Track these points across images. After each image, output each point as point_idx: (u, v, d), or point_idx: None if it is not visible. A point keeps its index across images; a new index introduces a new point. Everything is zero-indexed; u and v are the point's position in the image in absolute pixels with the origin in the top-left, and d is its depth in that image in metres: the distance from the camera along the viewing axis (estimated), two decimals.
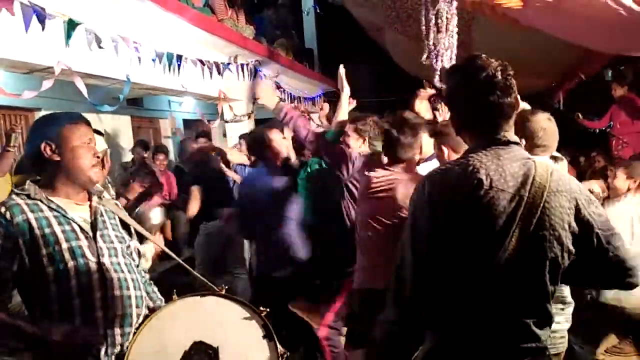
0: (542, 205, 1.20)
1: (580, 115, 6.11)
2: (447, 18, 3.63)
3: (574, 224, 1.23)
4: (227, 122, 5.18)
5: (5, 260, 1.40)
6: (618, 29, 3.38)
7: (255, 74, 5.36)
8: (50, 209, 1.48)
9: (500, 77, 1.26)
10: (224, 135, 5.70)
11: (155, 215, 2.57)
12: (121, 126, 5.83)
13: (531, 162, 1.27)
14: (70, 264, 1.44)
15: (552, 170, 1.27)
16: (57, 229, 1.46)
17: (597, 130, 6.27)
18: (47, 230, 1.44)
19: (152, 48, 3.52)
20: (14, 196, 1.48)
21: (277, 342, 1.56)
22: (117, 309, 1.49)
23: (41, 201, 1.48)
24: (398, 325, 1.33)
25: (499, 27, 4.77)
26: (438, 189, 1.26)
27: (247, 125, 5.30)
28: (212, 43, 4.36)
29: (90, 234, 1.51)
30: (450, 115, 1.41)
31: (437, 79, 4.23)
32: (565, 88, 6.13)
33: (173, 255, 1.88)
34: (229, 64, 4.63)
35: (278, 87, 5.91)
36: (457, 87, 1.35)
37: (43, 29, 2.54)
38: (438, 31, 3.73)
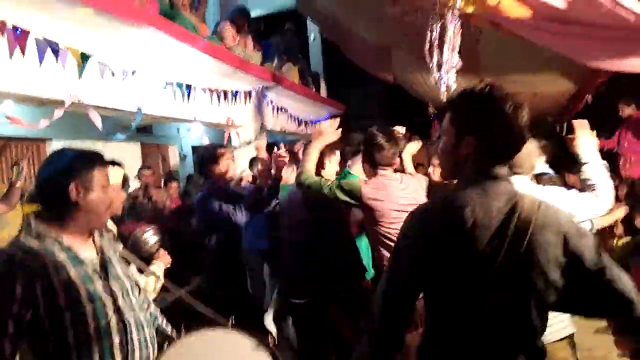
0: (526, 241, 1.19)
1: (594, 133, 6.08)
2: (451, 36, 3.66)
3: (562, 258, 1.20)
4: (235, 148, 5.20)
5: (22, 309, 1.33)
6: (624, 42, 3.39)
7: (263, 99, 5.41)
8: (62, 249, 1.42)
9: (524, 111, 1.24)
10: (232, 160, 5.72)
11: (151, 237, 2.58)
12: (130, 153, 5.86)
13: (518, 197, 1.24)
14: (88, 308, 1.39)
15: (540, 204, 1.24)
16: (72, 272, 1.41)
17: (604, 149, 6.24)
18: (62, 275, 1.38)
19: (162, 78, 3.55)
20: (24, 238, 1.41)
21: None
22: (135, 352, 1.45)
23: (52, 242, 1.42)
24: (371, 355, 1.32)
25: (506, 46, 4.79)
26: (425, 223, 1.28)
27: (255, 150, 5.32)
28: (220, 70, 4.40)
29: (103, 274, 1.47)
30: (450, 141, 1.32)
31: (442, 96, 4.23)
32: (572, 111, 6.11)
33: (172, 288, 1.88)
34: (237, 91, 4.66)
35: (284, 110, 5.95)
36: (479, 110, 1.27)
37: (51, 64, 2.57)
38: (442, 50, 3.76)
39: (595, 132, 5.43)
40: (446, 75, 3.86)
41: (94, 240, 1.53)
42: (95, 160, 1.50)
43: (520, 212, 1.20)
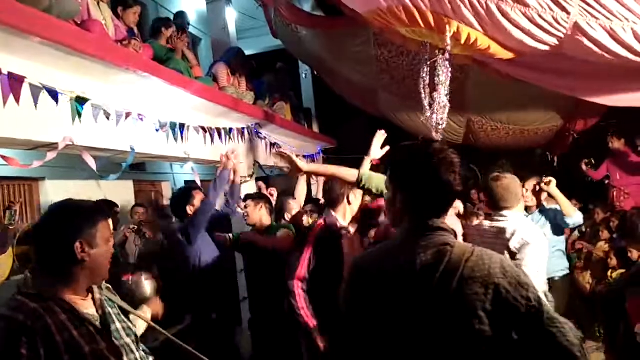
0: (451, 293, 1.20)
1: (585, 164, 6.17)
2: (442, 78, 3.77)
3: (489, 309, 1.20)
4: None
5: None
6: (614, 76, 3.50)
7: (256, 136, 5.48)
8: (64, 310, 1.38)
9: (456, 163, 1.32)
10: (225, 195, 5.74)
11: (145, 284, 2.58)
12: (123, 190, 5.88)
13: (448, 249, 1.26)
14: None
15: (471, 255, 1.25)
16: (75, 333, 1.36)
17: (593, 180, 6.31)
18: (66, 336, 1.34)
19: (156, 119, 3.62)
20: (23, 298, 1.37)
21: None
22: None
23: (54, 301, 1.38)
24: None
25: (492, 84, 4.93)
26: (358, 273, 1.34)
27: (248, 186, 5.35)
28: (213, 110, 4.48)
29: (105, 333, 1.44)
30: (392, 196, 1.39)
31: (434, 134, 4.33)
32: (562, 145, 6.23)
33: (162, 330, 1.88)
34: (231, 129, 4.73)
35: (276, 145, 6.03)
36: (409, 167, 1.35)
37: (46, 109, 2.63)
38: (434, 90, 3.87)
39: (584, 162, 5.48)
40: (436, 115, 3.96)
41: (93, 297, 1.50)
42: (97, 214, 1.48)
43: (446, 265, 1.23)
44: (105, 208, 1.57)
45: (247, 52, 6.92)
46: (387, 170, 1.41)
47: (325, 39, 5.17)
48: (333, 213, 2.91)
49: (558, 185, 3.77)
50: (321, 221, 2.92)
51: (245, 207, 3.82)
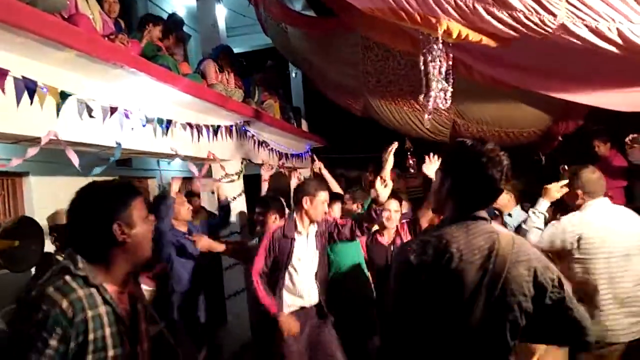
0: (504, 274, 1.37)
1: (566, 167, 6.23)
2: (440, 61, 3.78)
3: (532, 289, 1.40)
4: (217, 180, 5.22)
5: None
6: (598, 77, 3.54)
7: (244, 133, 5.47)
8: (104, 301, 1.33)
9: (505, 164, 1.46)
10: (213, 193, 5.72)
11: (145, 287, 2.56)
12: None
13: (495, 236, 1.43)
14: None
15: (514, 241, 1.44)
16: (107, 332, 1.31)
17: None
18: (98, 334, 1.29)
19: (143, 114, 3.59)
20: (70, 280, 1.30)
21: None
22: None
23: (97, 290, 1.32)
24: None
25: (477, 88, 4.97)
26: (418, 260, 1.41)
27: (237, 184, 5.35)
28: (201, 106, 4.46)
29: (132, 335, 1.38)
30: (440, 183, 1.55)
31: (426, 118, 4.36)
32: (547, 147, 6.29)
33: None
34: (219, 126, 4.72)
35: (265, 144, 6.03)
36: (461, 160, 1.51)
37: (31, 102, 2.60)
38: (430, 75, 3.87)
39: (561, 167, 5.54)
40: (433, 100, 3.94)
41: (129, 290, 1.43)
42: (130, 193, 1.43)
43: (498, 250, 1.39)
44: (135, 186, 1.49)
45: (237, 50, 6.91)
46: (442, 158, 1.59)
47: (313, 40, 5.18)
48: (295, 215, 3.20)
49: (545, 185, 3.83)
50: (281, 222, 3.26)
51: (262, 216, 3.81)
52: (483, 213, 1.49)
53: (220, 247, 3.62)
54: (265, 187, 4.80)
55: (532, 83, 4.15)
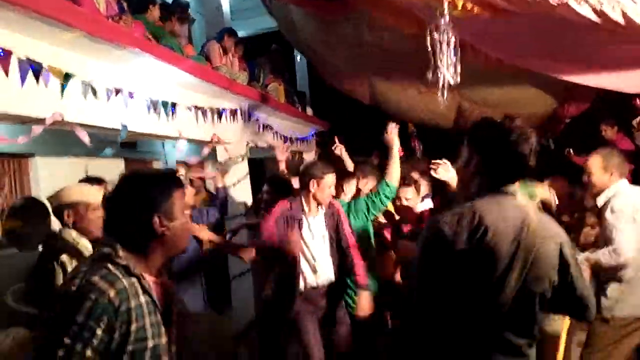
0: (536, 248, 1.41)
1: (571, 151, 6.19)
2: (447, 35, 3.75)
3: (557, 263, 1.46)
4: (221, 164, 5.23)
5: (94, 352, 1.20)
6: (604, 58, 3.50)
7: (249, 117, 5.47)
8: (144, 290, 1.31)
9: (533, 141, 1.49)
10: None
11: None
12: (114, 169, 5.86)
13: (525, 210, 1.46)
14: None
15: (542, 217, 1.49)
16: (147, 322, 1.29)
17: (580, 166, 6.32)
18: (140, 324, 1.27)
19: (147, 96, 3.60)
20: (114, 268, 1.28)
21: None
22: None
23: (138, 280, 1.30)
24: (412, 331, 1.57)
25: (483, 71, 4.91)
26: (453, 231, 1.43)
27: (241, 167, 5.36)
28: (205, 89, 4.46)
29: (167, 326, 1.37)
30: (467, 159, 1.57)
31: (439, 95, 4.34)
32: (554, 131, 6.24)
33: None
34: (223, 109, 4.72)
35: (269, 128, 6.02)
36: (491, 136, 1.53)
37: (35, 83, 2.61)
38: (439, 49, 3.84)
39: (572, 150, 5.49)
40: (443, 74, 3.91)
41: (162, 280, 1.42)
42: (172, 184, 1.40)
43: (529, 224, 1.43)
44: (177, 177, 1.46)
45: (241, 34, 6.86)
46: (467, 136, 1.59)
47: (318, 22, 5.13)
48: (301, 196, 3.21)
49: (553, 169, 3.83)
50: (285, 203, 3.24)
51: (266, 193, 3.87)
52: (512, 188, 1.52)
53: (214, 237, 3.64)
54: (282, 167, 4.68)
55: (538, 65, 4.11)
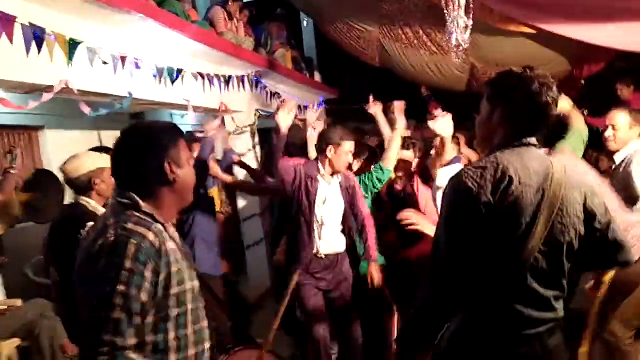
0: (561, 197, 1.41)
1: (585, 112, 6.07)
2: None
3: (583, 212, 1.45)
4: (230, 133, 5.19)
5: (148, 296, 1.20)
6: (621, 19, 3.37)
7: (256, 85, 5.39)
8: (171, 237, 1.31)
9: (555, 90, 1.47)
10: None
11: None
12: None
13: (549, 160, 1.47)
14: (190, 307, 1.31)
15: (566, 167, 1.48)
16: (182, 265, 1.30)
17: (601, 130, 6.22)
18: (177, 266, 1.28)
19: (153, 64, 3.54)
20: (142, 215, 1.27)
21: None
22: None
23: (163, 226, 1.30)
24: (431, 303, 1.50)
25: (496, 33, 4.77)
26: (477, 185, 1.41)
27: (250, 136, 5.32)
28: (211, 56, 4.38)
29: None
30: (489, 113, 1.55)
31: (454, 56, 4.24)
32: (568, 92, 6.10)
33: None
34: (230, 77, 4.64)
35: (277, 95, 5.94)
36: (512, 87, 1.50)
37: (39, 50, 2.56)
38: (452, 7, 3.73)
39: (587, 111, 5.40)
40: (456, 35, 3.81)
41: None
42: (177, 132, 1.41)
43: (553, 173, 1.43)
44: (179, 127, 1.45)
45: None
46: (488, 89, 1.57)
47: None
48: (318, 161, 3.14)
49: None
50: (302, 161, 3.25)
51: None
52: (533, 140, 1.51)
53: (227, 178, 3.54)
54: (310, 132, 4.48)
55: (551, 24, 3.98)
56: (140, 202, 1.30)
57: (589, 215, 1.47)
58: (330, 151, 3.01)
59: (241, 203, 5.31)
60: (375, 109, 4.18)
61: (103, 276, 1.18)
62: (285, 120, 2.97)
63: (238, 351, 1.84)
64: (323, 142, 3.06)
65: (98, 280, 1.18)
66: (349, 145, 3.04)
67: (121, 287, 1.17)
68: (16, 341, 3.13)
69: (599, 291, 2.62)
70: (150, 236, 1.24)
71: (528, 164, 1.43)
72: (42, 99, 2.63)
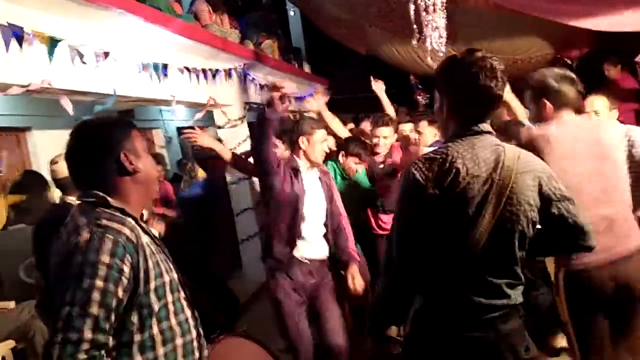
0: (510, 185, 1.40)
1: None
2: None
3: (537, 198, 1.44)
4: (220, 127, 5.17)
5: (125, 293, 1.19)
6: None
7: (244, 77, 5.35)
8: (144, 231, 1.30)
9: (498, 71, 1.43)
10: (219, 141, 5.69)
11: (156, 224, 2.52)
12: None
13: (501, 149, 1.46)
14: (169, 299, 1.30)
15: (520, 154, 1.47)
16: (159, 258, 1.30)
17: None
18: (154, 259, 1.27)
19: (137, 59, 3.50)
20: (112, 211, 1.26)
21: None
22: (203, 349, 1.41)
23: (135, 220, 1.29)
24: (388, 291, 1.58)
25: (482, 17, 4.76)
26: (424, 176, 1.43)
27: (240, 130, 5.29)
28: (197, 50, 4.34)
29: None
30: (439, 104, 1.55)
31: (429, 58, 4.24)
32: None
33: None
34: (217, 70, 4.61)
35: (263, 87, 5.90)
36: (455, 74, 1.49)
37: (21, 49, 2.52)
38: (426, 12, 3.74)
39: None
40: (430, 39, 3.83)
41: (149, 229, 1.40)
42: (127, 123, 1.39)
43: (504, 161, 1.42)
44: (129, 120, 1.46)
45: None
46: (436, 78, 1.56)
47: None
48: (293, 155, 2.90)
49: None
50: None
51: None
52: (487, 126, 1.49)
53: (226, 154, 3.11)
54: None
55: (534, 7, 3.97)
56: (108, 197, 1.29)
57: (545, 200, 1.46)
58: (302, 142, 2.83)
59: (234, 197, 5.30)
60: (377, 86, 4.26)
61: (80, 272, 1.16)
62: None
63: (222, 339, 1.84)
64: (294, 135, 2.87)
65: (75, 277, 1.16)
66: (321, 134, 2.87)
67: (99, 283, 1.15)
68: (11, 343, 3.13)
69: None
70: (126, 231, 1.23)
71: (479, 153, 1.43)
72: (7, 92, 2.55)
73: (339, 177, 3.61)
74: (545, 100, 2.06)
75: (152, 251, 1.29)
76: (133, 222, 1.28)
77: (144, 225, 1.34)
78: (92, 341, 1.12)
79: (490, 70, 1.42)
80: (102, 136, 1.32)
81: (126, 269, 1.19)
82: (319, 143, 2.87)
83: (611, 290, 1.92)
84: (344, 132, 3.96)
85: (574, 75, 2.13)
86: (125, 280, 1.19)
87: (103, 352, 1.15)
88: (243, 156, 3.50)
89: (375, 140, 3.74)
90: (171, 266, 1.37)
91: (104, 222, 1.23)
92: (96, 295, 1.14)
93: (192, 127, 3.87)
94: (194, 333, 1.37)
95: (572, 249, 1.70)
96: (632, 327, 1.96)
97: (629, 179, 2.03)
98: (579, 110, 2.21)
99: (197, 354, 1.37)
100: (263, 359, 2.05)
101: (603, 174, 1.94)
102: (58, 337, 1.11)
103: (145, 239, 1.29)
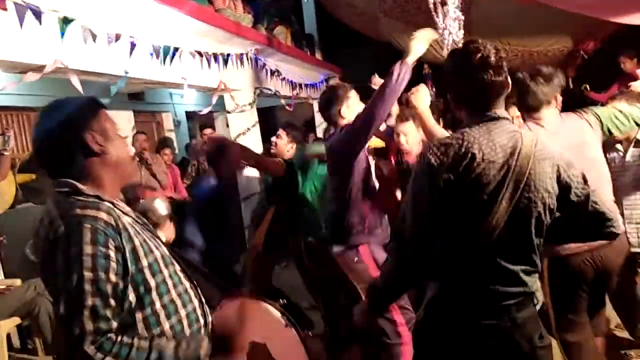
0: (527, 172, 1.38)
1: (588, 88, 6.00)
2: None
3: (555, 186, 1.43)
4: (229, 112, 5.15)
5: (117, 276, 1.17)
6: None
7: (255, 62, 5.31)
8: (123, 212, 1.28)
9: (493, 58, 1.42)
10: (227, 125, 5.67)
11: (160, 205, 2.51)
12: (123, 121, 5.81)
13: (518, 135, 1.44)
14: (166, 273, 1.29)
15: (537, 140, 1.45)
16: (145, 236, 1.28)
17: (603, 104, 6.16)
18: (140, 237, 1.26)
19: (149, 42, 3.48)
20: (85, 197, 1.22)
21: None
22: (207, 315, 1.40)
23: (112, 204, 1.26)
24: (397, 272, 1.52)
25: (498, 9, 4.67)
26: (439, 161, 1.41)
27: (250, 115, 5.27)
28: (210, 33, 4.30)
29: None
30: (448, 95, 1.56)
31: (445, 50, 4.18)
32: (570, 66, 6.00)
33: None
34: (229, 54, 4.57)
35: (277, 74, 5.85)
36: (454, 68, 1.51)
37: (40, 24, 2.51)
38: (444, 3, 3.69)
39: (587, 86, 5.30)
40: (448, 31, 3.77)
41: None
42: (95, 103, 1.34)
43: (521, 148, 1.40)
44: (98, 100, 1.36)
45: None
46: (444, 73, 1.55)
47: None
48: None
49: (571, 107, 3.66)
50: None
51: (278, 137, 3.59)
52: (503, 112, 1.48)
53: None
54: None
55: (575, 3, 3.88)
56: (80, 185, 1.24)
57: (564, 187, 1.44)
58: (347, 108, 2.71)
59: (241, 181, 5.29)
60: (378, 81, 4.16)
61: (66, 268, 1.14)
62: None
63: (223, 304, 1.84)
64: (332, 108, 2.73)
65: (62, 274, 1.14)
66: (354, 93, 2.79)
67: (87, 274, 1.13)
68: (16, 320, 3.16)
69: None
70: (103, 215, 1.19)
71: (495, 139, 1.41)
72: (24, 79, 2.56)
73: None
74: None
75: (136, 231, 1.27)
76: (109, 205, 1.24)
77: (121, 206, 1.31)
78: (96, 331, 1.12)
79: (487, 57, 1.41)
80: (68, 116, 1.27)
81: (112, 253, 1.17)
82: (357, 104, 2.74)
83: (592, 275, 2.16)
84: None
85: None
86: (114, 265, 1.17)
87: (111, 335, 1.14)
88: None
89: (396, 138, 3.30)
90: (159, 242, 1.35)
91: (78, 210, 1.18)
92: (88, 287, 1.12)
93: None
94: (195, 302, 1.36)
95: (595, 237, 1.68)
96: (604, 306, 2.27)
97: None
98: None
99: (202, 320, 1.36)
100: (267, 313, 2.04)
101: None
102: (64, 336, 1.12)
103: (126, 219, 1.26)
